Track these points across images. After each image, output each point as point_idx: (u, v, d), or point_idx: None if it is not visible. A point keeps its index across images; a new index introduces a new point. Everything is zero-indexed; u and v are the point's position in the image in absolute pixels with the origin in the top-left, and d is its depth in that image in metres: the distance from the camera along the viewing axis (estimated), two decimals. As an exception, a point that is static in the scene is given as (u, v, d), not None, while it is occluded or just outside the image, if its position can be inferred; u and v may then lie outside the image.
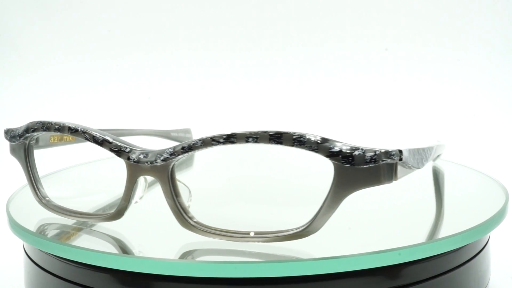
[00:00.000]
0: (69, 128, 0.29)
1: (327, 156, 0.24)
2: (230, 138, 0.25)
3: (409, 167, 0.25)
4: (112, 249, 0.28)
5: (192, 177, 0.41)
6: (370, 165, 0.24)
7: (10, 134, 0.31)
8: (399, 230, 0.30)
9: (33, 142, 0.31)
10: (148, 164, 0.26)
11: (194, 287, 0.25)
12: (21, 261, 0.32)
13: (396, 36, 0.68)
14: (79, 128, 0.28)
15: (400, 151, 0.24)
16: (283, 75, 0.69)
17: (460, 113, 0.65)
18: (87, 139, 0.28)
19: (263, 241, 0.26)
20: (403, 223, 0.31)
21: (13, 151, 0.32)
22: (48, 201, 0.31)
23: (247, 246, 0.27)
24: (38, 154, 0.32)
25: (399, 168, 0.24)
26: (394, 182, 0.25)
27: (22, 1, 0.68)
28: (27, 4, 0.68)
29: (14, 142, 0.31)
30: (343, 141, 0.25)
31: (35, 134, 0.30)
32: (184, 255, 0.26)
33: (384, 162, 0.24)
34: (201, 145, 0.25)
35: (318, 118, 0.65)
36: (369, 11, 0.69)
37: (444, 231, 0.28)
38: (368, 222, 0.31)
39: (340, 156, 0.24)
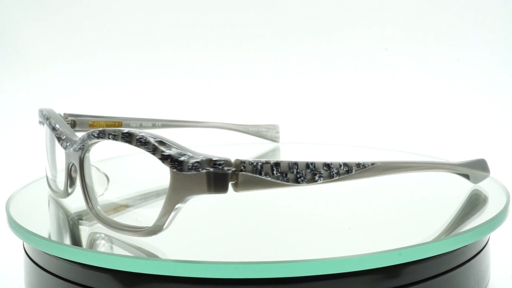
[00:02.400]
0: None
1: (160, 159, 0.24)
2: (100, 134, 0.26)
3: (276, 180, 0.25)
4: (113, 249, 0.28)
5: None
6: (193, 172, 0.24)
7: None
8: (399, 230, 0.30)
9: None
10: (70, 151, 0.28)
11: (194, 287, 0.25)
12: (21, 261, 0.32)
13: (396, 36, 0.68)
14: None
15: (242, 161, 0.24)
16: (283, 75, 0.69)
17: (460, 113, 0.65)
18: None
19: (125, 234, 0.27)
20: (403, 223, 0.31)
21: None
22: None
23: (247, 245, 0.27)
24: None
25: (242, 178, 0.24)
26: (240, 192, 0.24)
27: (23, 1, 0.68)
28: (27, 4, 0.68)
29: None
30: (184, 146, 0.25)
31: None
32: (184, 256, 0.26)
33: (207, 170, 0.24)
34: (92, 137, 0.27)
35: (318, 118, 0.65)
36: (369, 11, 0.69)
37: (445, 231, 0.28)
38: (368, 222, 0.31)
39: (169, 160, 0.24)
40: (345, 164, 0.26)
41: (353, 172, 0.26)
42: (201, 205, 0.34)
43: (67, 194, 0.30)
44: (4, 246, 0.40)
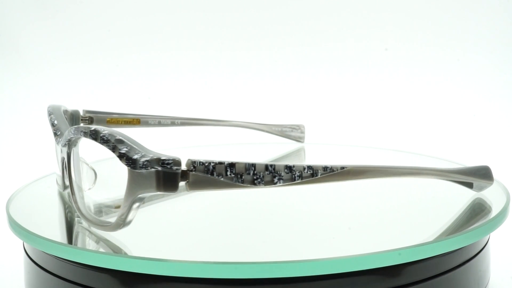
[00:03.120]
0: None
1: (118, 156, 0.25)
2: (75, 131, 0.27)
3: (230, 181, 0.25)
4: (112, 249, 0.28)
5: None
6: (144, 170, 0.24)
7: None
8: (399, 230, 0.30)
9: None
10: (61, 147, 0.29)
11: (194, 287, 0.25)
12: (21, 261, 0.32)
13: (396, 36, 0.68)
14: None
15: (193, 161, 0.24)
16: (283, 75, 0.69)
17: (460, 113, 0.65)
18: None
19: (94, 227, 0.28)
20: (403, 223, 0.31)
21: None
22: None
23: (247, 245, 0.27)
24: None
25: (193, 178, 0.24)
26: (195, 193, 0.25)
27: (23, 1, 0.68)
28: (27, 4, 0.68)
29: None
30: (142, 145, 0.25)
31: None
32: (184, 256, 0.26)
33: (156, 169, 0.24)
34: (71, 134, 0.27)
35: (318, 118, 0.65)
36: (369, 11, 0.69)
37: (445, 231, 0.28)
38: (368, 222, 0.31)
39: (125, 158, 0.25)
40: (310, 167, 0.26)
41: (319, 176, 0.26)
42: (201, 205, 0.34)
43: (64, 187, 0.30)
44: (4, 246, 0.40)
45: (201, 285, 0.25)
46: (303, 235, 0.29)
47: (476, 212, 0.31)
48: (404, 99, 0.66)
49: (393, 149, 0.46)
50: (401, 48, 0.68)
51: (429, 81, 0.67)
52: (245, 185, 0.25)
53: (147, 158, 0.24)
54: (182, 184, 0.25)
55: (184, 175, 0.24)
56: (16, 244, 0.35)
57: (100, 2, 0.69)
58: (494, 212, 0.29)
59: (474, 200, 0.32)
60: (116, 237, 0.29)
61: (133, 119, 0.40)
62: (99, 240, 0.28)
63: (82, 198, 0.28)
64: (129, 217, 0.26)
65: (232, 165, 0.25)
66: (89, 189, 0.32)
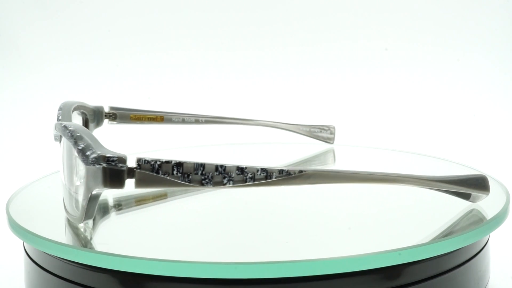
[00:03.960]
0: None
1: (77, 152, 0.26)
2: (56, 127, 0.28)
3: (177, 180, 0.25)
4: (112, 249, 0.28)
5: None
6: (94, 167, 0.25)
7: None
8: (399, 230, 0.30)
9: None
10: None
11: (194, 287, 0.25)
12: (21, 261, 0.32)
13: (396, 36, 0.68)
14: None
15: (139, 159, 0.25)
16: (283, 75, 0.69)
17: (460, 113, 0.65)
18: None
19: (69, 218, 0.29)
20: (403, 223, 0.31)
21: None
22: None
23: (247, 245, 0.27)
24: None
25: (139, 175, 0.25)
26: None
27: (23, 1, 0.68)
28: (27, 4, 0.68)
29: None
30: (99, 142, 0.26)
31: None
32: (184, 256, 0.26)
33: (103, 166, 0.25)
34: (55, 130, 0.29)
35: (318, 118, 0.65)
36: (369, 11, 0.69)
37: (445, 231, 0.28)
38: (368, 222, 0.31)
39: (81, 154, 0.25)
40: (264, 170, 0.26)
41: (273, 179, 0.26)
42: (201, 205, 0.34)
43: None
44: (4, 246, 0.40)
45: (201, 285, 0.25)
46: (303, 235, 0.29)
47: (475, 212, 0.31)
48: (404, 98, 0.66)
49: (429, 155, 0.44)
50: (401, 48, 0.68)
51: (429, 81, 0.67)
52: (192, 184, 0.25)
53: (95, 155, 0.25)
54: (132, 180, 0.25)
55: (132, 172, 0.25)
56: (16, 244, 0.35)
57: (100, 2, 0.69)
58: (494, 212, 0.29)
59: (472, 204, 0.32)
60: (116, 237, 0.29)
61: (157, 116, 0.41)
62: (100, 239, 0.28)
63: (70, 190, 0.29)
64: (89, 210, 0.27)
65: (179, 165, 0.25)
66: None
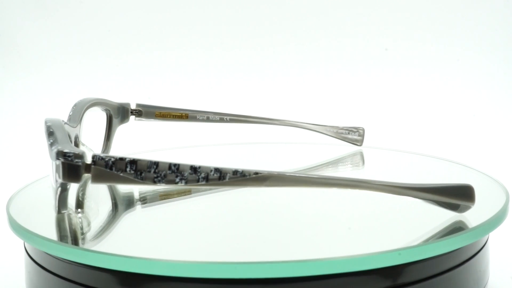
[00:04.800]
0: None
1: (48, 146, 0.27)
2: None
3: (130, 177, 0.26)
4: (113, 249, 0.28)
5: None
6: (57, 161, 0.26)
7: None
8: (399, 230, 0.30)
9: None
10: None
11: (194, 287, 0.25)
12: (22, 261, 0.32)
13: (396, 36, 0.68)
14: None
15: (94, 155, 0.26)
16: (282, 75, 0.69)
17: (460, 113, 0.65)
18: None
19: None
20: (403, 223, 0.31)
21: None
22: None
23: (247, 245, 0.27)
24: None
25: (94, 171, 0.26)
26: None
27: (23, 0, 0.68)
28: (27, 3, 0.68)
29: None
30: (65, 138, 0.28)
31: None
32: (184, 256, 0.27)
33: (61, 160, 0.26)
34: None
35: (318, 118, 0.65)
36: (370, 11, 0.69)
37: (444, 231, 0.28)
38: (368, 222, 0.31)
39: (48, 148, 0.27)
40: (218, 170, 0.26)
41: (227, 180, 0.26)
42: (201, 205, 0.34)
43: None
44: (5, 245, 0.40)
45: (201, 285, 0.25)
46: (304, 235, 0.29)
47: (475, 212, 0.31)
48: (404, 98, 0.66)
49: (429, 155, 0.44)
50: (401, 48, 0.68)
51: (429, 81, 0.67)
52: (145, 182, 0.26)
53: (56, 150, 0.26)
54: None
55: (88, 168, 0.26)
56: (17, 244, 0.35)
57: (100, 1, 0.69)
58: (493, 212, 0.29)
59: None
60: (117, 237, 0.29)
61: (182, 113, 0.42)
62: (100, 239, 0.29)
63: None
64: (60, 200, 0.29)
65: (133, 162, 0.26)
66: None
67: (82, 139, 0.34)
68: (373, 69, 0.68)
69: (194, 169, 0.26)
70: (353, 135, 0.46)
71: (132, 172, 0.26)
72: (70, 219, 0.31)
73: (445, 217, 0.30)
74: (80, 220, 0.31)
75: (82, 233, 0.29)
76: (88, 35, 0.69)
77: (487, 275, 0.31)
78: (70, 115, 0.34)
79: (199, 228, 0.31)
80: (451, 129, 0.63)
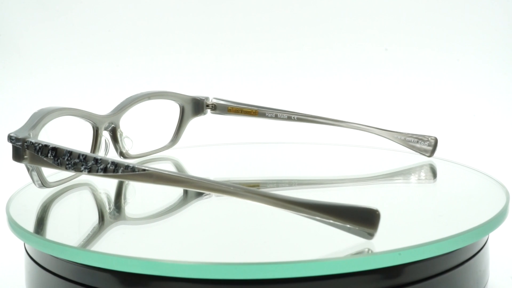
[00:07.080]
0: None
1: None
2: None
3: (51, 162, 0.29)
4: (113, 249, 0.28)
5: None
6: (13, 145, 0.30)
7: None
8: (399, 230, 0.30)
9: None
10: None
11: (194, 287, 0.25)
12: (22, 261, 0.32)
13: (396, 36, 0.68)
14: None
15: (27, 140, 0.29)
16: (283, 75, 0.69)
17: (460, 113, 0.65)
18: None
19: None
20: (403, 223, 0.31)
21: None
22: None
23: (247, 245, 0.27)
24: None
25: (28, 154, 0.30)
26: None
27: (23, 1, 0.68)
28: (28, 5, 0.68)
29: None
30: (30, 126, 0.31)
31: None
32: (184, 256, 0.27)
33: (11, 144, 0.30)
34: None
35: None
36: (370, 12, 0.69)
37: (445, 231, 0.28)
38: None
39: None
40: (114, 163, 0.28)
41: (119, 173, 0.28)
42: (201, 205, 0.34)
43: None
44: (5, 245, 0.40)
45: (201, 285, 0.25)
46: (304, 236, 0.29)
47: (475, 212, 0.31)
48: (404, 98, 0.66)
49: None
50: (401, 48, 0.68)
51: (429, 81, 0.67)
52: (60, 167, 0.29)
53: (9, 134, 0.30)
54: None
55: (25, 151, 0.30)
56: (17, 244, 0.35)
57: (100, 3, 0.69)
58: (493, 212, 0.29)
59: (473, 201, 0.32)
60: (117, 237, 0.29)
61: (251, 110, 0.43)
62: (101, 239, 0.29)
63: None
64: (32, 177, 0.32)
65: (54, 149, 0.29)
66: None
67: (124, 127, 0.38)
68: (372, 69, 0.68)
69: (96, 160, 0.28)
70: (422, 144, 0.42)
71: (52, 157, 0.29)
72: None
73: (444, 217, 0.30)
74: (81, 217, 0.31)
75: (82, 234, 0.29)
76: (89, 35, 0.69)
77: (487, 275, 0.31)
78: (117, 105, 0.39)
79: (199, 228, 0.31)
80: (451, 129, 0.63)
